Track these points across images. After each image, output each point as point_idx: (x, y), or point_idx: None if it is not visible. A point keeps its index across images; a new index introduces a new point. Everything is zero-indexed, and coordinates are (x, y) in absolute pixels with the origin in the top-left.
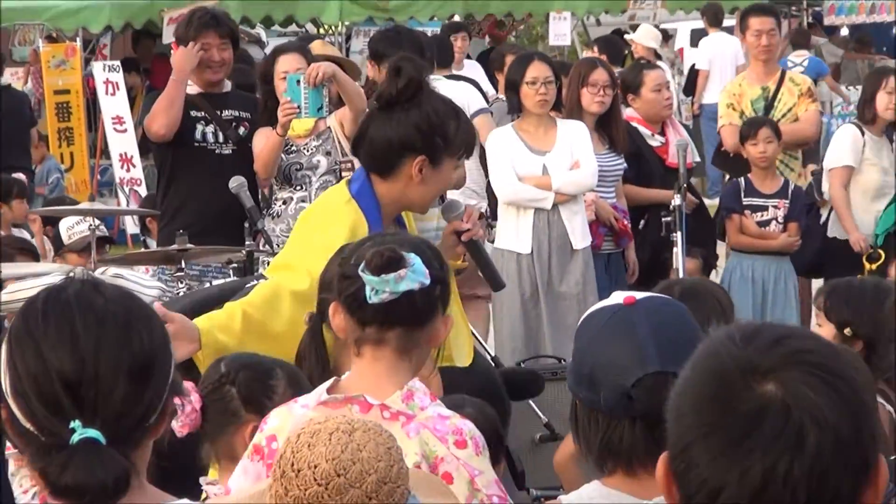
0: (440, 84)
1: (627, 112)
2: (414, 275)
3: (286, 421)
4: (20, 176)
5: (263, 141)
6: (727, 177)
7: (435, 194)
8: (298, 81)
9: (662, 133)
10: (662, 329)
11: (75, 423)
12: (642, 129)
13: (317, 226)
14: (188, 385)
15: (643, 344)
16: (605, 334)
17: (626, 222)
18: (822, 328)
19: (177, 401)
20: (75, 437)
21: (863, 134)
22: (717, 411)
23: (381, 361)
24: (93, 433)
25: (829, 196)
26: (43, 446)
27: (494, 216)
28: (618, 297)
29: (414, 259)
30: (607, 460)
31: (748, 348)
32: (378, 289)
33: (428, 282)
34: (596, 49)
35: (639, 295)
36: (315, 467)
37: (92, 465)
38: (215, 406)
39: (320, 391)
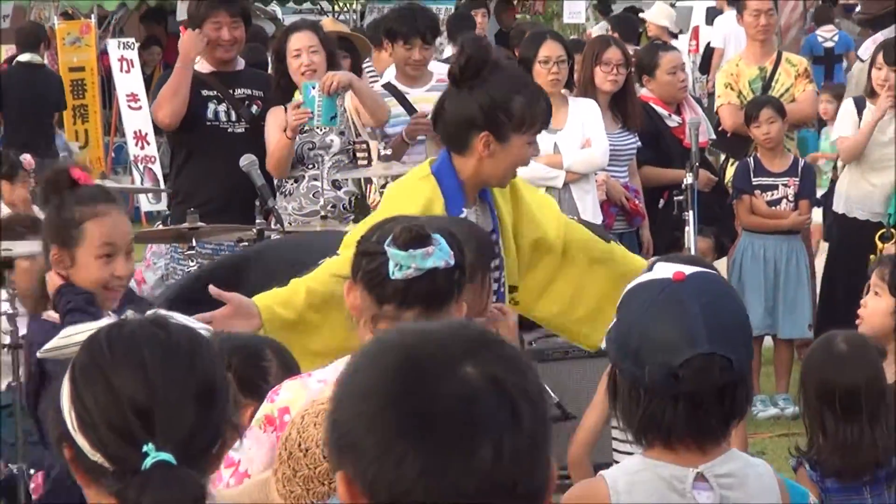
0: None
1: (642, 92)
2: (441, 252)
3: (300, 394)
4: (26, 156)
5: (275, 126)
6: (723, 156)
7: (508, 168)
8: (313, 88)
9: (678, 113)
10: (712, 308)
11: (148, 447)
12: (659, 110)
13: (392, 201)
14: None
15: (693, 323)
16: (654, 310)
17: (637, 202)
18: (880, 299)
19: None
20: (149, 461)
21: (860, 107)
22: (422, 399)
23: None
24: (166, 456)
25: (841, 160)
26: (115, 474)
27: None
28: (666, 270)
29: (440, 239)
30: (647, 434)
31: (433, 336)
32: (403, 264)
33: (453, 262)
34: (609, 28)
35: (688, 270)
36: (308, 450)
37: (170, 485)
38: None
39: (340, 367)
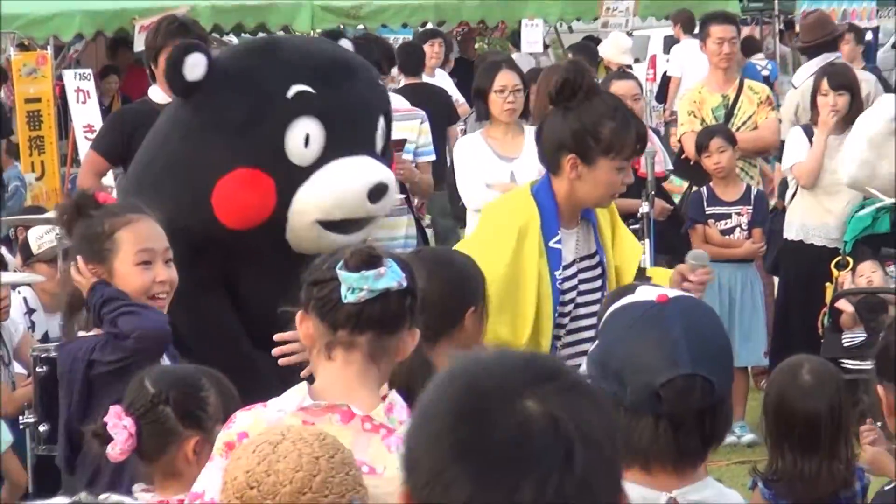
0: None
1: None
2: (393, 273)
3: (259, 421)
4: None
5: None
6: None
7: (601, 191)
8: None
9: None
10: (694, 330)
11: None
12: None
13: (492, 220)
14: (116, 409)
15: (675, 344)
16: (637, 331)
17: None
18: None
19: (110, 428)
20: None
21: (809, 135)
22: (477, 429)
23: (353, 366)
24: None
25: (802, 185)
26: None
27: (464, 223)
28: (649, 292)
29: (391, 261)
30: (625, 455)
31: (501, 368)
32: (356, 286)
33: (405, 284)
34: (570, 55)
35: (671, 293)
36: (234, 479)
37: None
38: (152, 428)
39: (299, 396)
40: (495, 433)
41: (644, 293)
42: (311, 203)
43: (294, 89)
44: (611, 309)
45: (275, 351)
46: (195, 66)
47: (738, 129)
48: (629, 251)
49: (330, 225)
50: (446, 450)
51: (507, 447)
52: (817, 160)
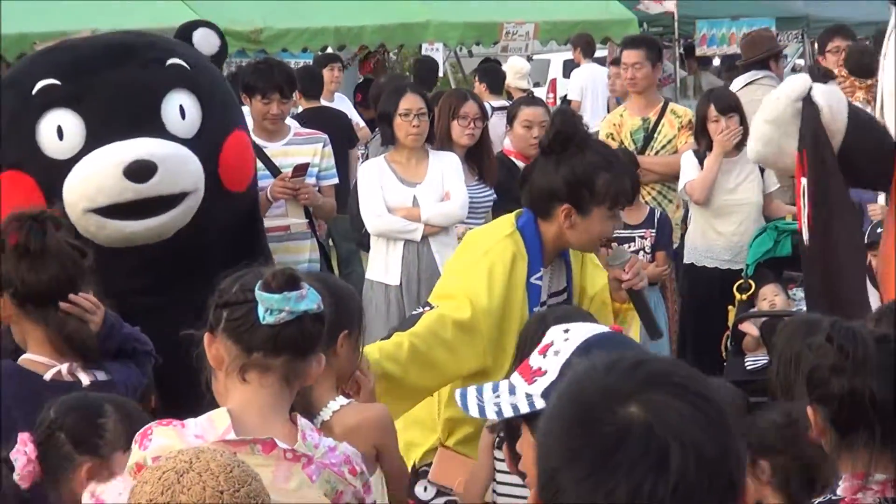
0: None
1: (506, 144)
2: (312, 295)
3: (176, 444)
4: None
5: None
6: None
7: (590, 238)
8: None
9: None
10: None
11: None
12: (519, 163)
13: (479, 254)
14: (22, 436)
15: None
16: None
17: None
18: None
19: (13, 454)
20: None
21: (700, 157)
22: (581, 435)
23: (267, 389)
24: None
25: (694, 201)
26: None
27: (367, 248)
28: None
29: (308, 287)
30: None
31: (610, 375)
32: (276, 308)
33: (322, 309)
34: (476, 78)
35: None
36: None
37: None
38: (49, 454)
39: (221, 424)
40: (595, 439)
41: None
42: (74, 193)
43: (39, 84)
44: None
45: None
46: None
47: (657, 153)
48: (599, 279)
49: (106, 211)
50: (556, 457)
51: (604, 452)
52: (711, 173)
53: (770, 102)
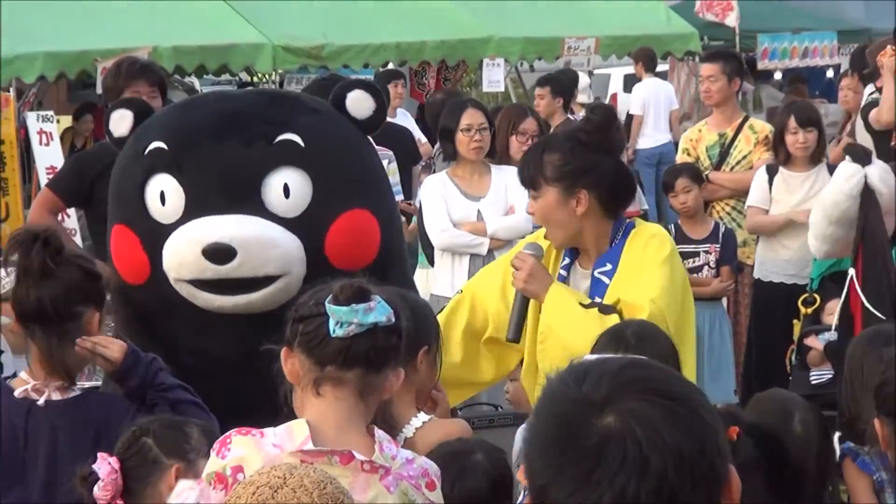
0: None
1: None
2: (381, 308)
3: (254, 454)
4: None
5: None
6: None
7: None
8: None
9: None
10: None
11: None
12: None
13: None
14: (101, 454)
15: None
16: None
17: None
18: None
19: (95, 465)
20: None
21: (772, 174)
22: (564, 450)
23: (342, 402)
24: None
25: (746, 227)
26: None
27: (432, 262)
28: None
29: (379, 299)
30: None
31: (582, 386)
32: (344, 321)
33: (394, 320)
34: (548, 90)
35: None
36: None
37: None
38: (134, 460)
39: (299, 435)
40: (577, 455)
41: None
42: (167, 261)
43: (151, 145)
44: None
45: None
46: (119, 122)
47: (732, 169)
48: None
49: (195, 283)
50: (542, 474)
51: (586, 467)
52: (776, 224)
53: (831, 205)
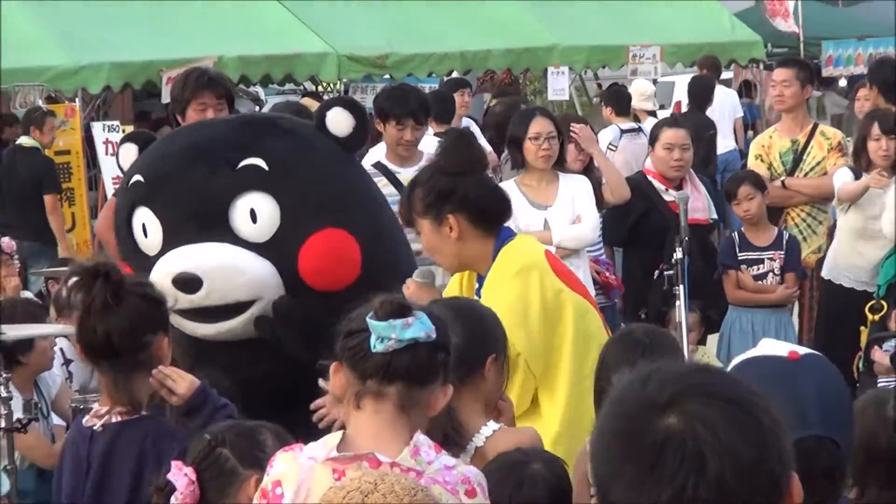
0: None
1: (647, 165)
2: (421, 325)
3: (292, 468)
4: (4, 239)
5: None
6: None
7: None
8: None
9: (680, 188)
10: (826, 391)
11: None
12: (657, 184)
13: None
14: (176, 462)
15: (806, 403)
16: (767, 387)
17: (608, 274)
18: None
19: (170, 476)
20: None
21: (857, 177)
22: (626, 448)
23: (381, 415)
24: None
25: (838, 198)
26: None
27: None
28: (777, 348)
29: (421, 314)
30: None
31: (646, 388)
32: (384, 335)
33: (434, 336)
34: (602, 102)
35: (801, 350)
36: None
37: None
38: (211, 471)
39: (330, 444)
40: (638, 453)
41: (771, 348)
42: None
43: (133, 179)
44: (736, 363)
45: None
46: (125, 155)
47: (805, 175)
48: None
49: (181, 313)
50: (606, 470)
51: (647, 466)
52: (865, 186)
53: None
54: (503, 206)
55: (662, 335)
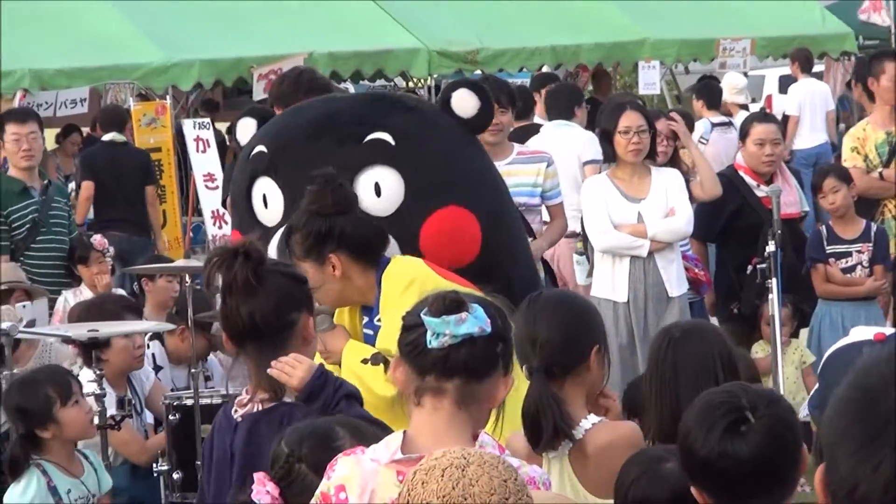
0: (551, 131)
1: (738, 159)
2: (475, 319)
3: (354, 471)
4: (96, 237)
5: None
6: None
7: None
8: None
9: (771, 183)
10: None
11: None
12: (748, 180)
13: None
14: (259, 477)
15: None
16: None
17: (697, 270)
18: None
19: (254, 496)
20: None
21: None
22: (857, 412)
23: (441, 412)
24: None
25: None
26: None
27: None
28: (864, 333)
29: (476, 307)
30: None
31: (891, 364)
32: (438, 331)
33: (489, 329)
34: (694, 95)
35: (887, 331)
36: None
37: None
38: (292, 489)
39: (393, 446)
40: (868, 419)
41: (858, 334)
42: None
43: (255, 150)
44: (829, 353)
45: None
46: (244, 130)
47: None
48: None
49: None
50: (835, 434)
51: (874, 431)
52: None
53: None
54: (381, 240)
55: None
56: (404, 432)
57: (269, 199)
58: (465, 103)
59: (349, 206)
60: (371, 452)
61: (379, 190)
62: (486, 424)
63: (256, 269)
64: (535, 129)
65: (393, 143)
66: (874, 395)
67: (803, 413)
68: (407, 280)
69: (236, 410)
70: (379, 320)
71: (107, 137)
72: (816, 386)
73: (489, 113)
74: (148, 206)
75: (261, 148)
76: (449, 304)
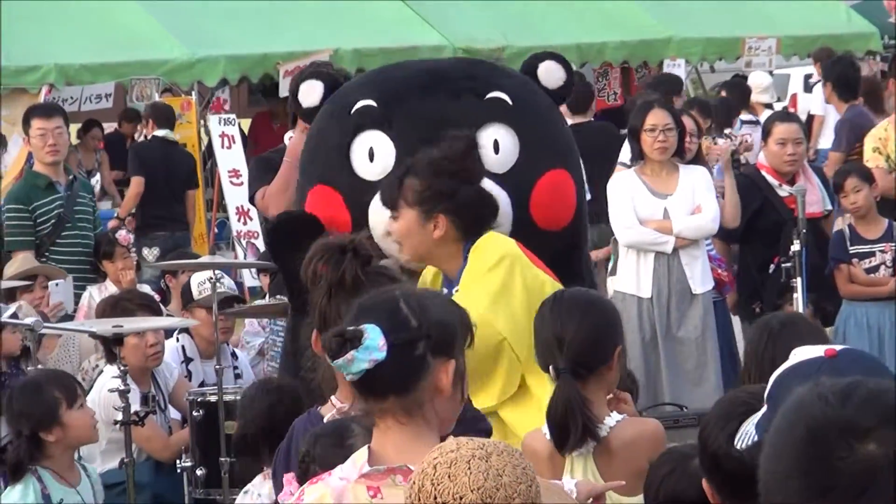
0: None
1: (760, 158)
2: (366, 352)
3: (324, 492)
4: (121, 232)
5: None
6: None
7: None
8: None
9: (793, 182)
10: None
11: None
12: (770, 179)
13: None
14: (287, 478)
15: None
16: None
17: (720, 271)
18: None
19: (280, 497)
20: None
21: None
22: (813, 469)
23: (393, 428)
24: None
25: None
26: None
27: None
28: (808, 352)
29: (369, 333)
30: None
31: (844, 407)
32: (343, 371)
33: (384, 355)
34: (723, 92)
35: (837, 347)
36: (461, 498)
37: None
38: None
39: (360, 462)
40: (840, 478)
41: (802, 354)
42: (377, 215)
43: (358, 104)
44: (776, 375)
45: None
46: (309, 92)
47: None
48: None
49: None
50: (795, 491)
51: (850, 491)
52: None
53: None
54: (491, 218)
55: (793, 322)
56: (368, 447)
57: (376, 153)
58: (552, 75)
59: (478, 177)
60: (338, 472)
61: (497, 147)
62: (461, 402)
63: (364, 267)
64: (592, 126)
65: (511, 103)
66: (830, 449)
67: (748, 437)
68: (497, 256)
69: (333, 417)
70: (457, 291)
71: (160, 133)
72: (764, 409)
73: (572, 85)
74: (188, 210)
75: (368, 102)
76: (335, 346)
